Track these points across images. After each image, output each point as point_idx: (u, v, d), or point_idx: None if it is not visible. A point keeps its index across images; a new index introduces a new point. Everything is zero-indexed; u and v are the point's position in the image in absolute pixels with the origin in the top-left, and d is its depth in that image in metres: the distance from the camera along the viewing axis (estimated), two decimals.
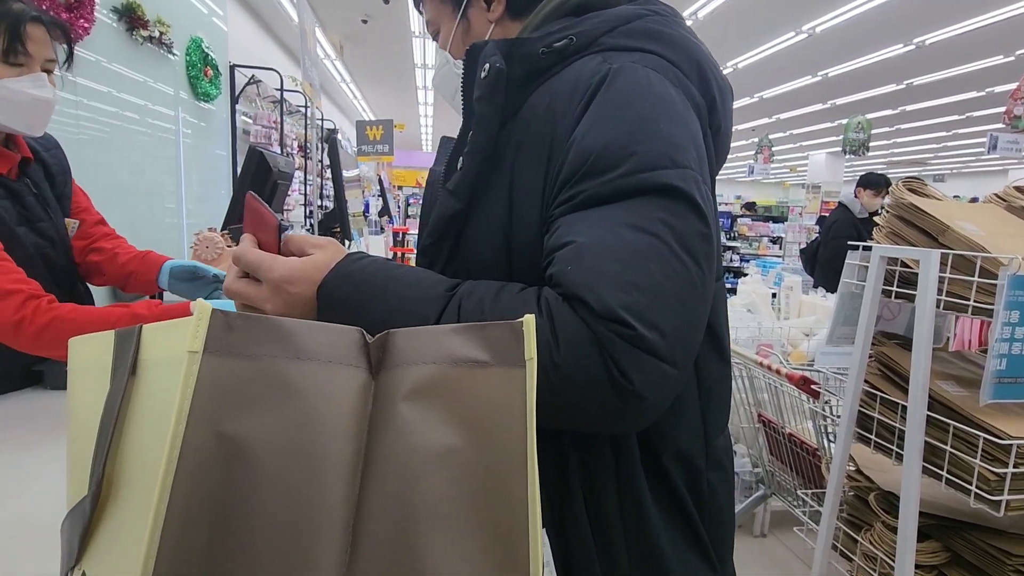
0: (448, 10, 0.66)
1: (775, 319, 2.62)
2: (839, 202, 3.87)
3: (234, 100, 4.59)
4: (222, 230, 1.51)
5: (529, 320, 0.34)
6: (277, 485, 0.29)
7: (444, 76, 0.69)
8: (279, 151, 5.01)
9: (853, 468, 1.31)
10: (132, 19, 3.03)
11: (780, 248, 8.14)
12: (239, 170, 3.32)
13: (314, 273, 0.49)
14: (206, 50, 3.96)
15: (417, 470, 0.30)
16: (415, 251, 0.72)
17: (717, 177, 0.62)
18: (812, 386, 1.41)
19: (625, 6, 0.60)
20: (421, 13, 0.71)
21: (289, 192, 4.06)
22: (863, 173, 3.80)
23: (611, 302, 0.43)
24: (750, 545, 2.15)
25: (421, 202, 0.73)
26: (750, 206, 8.94)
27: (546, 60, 0.55)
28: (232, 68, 4.57)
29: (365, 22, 6.38)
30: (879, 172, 3.87)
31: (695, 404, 0.58)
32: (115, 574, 0.30)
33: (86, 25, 2.61)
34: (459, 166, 0.57)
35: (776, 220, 8.77)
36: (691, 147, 0.49)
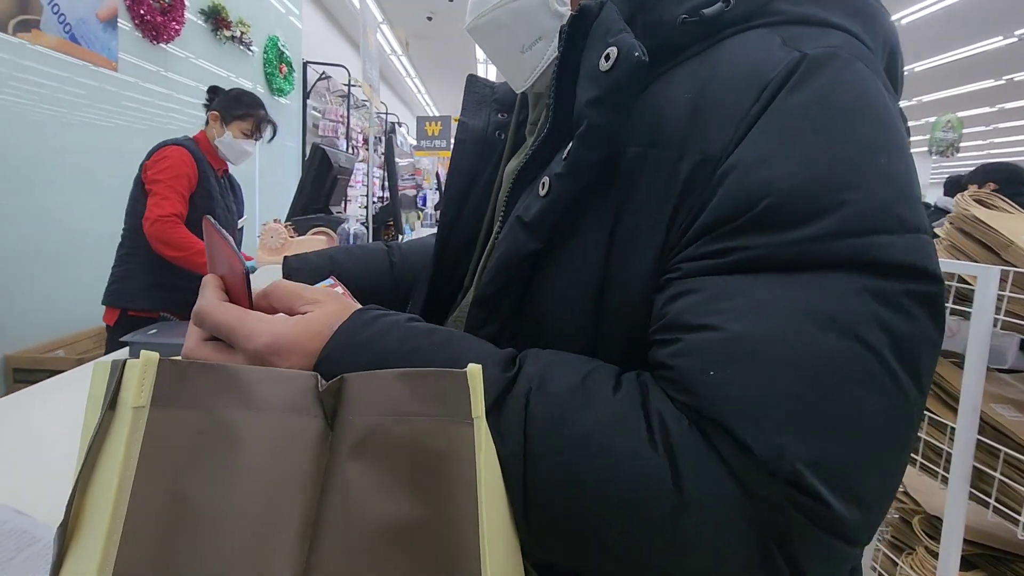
0: None
1: None
2: (934, 205, 3.54)
3: (306, 95, 4.85)
4: (286, 221, 1.64)
5: (475, 371, 0.29)
6: (223, 547, 0.27)
7: (515, 12, 0.44)
8: (345, 144, 5.24)
9: (900, 489, 1.26)
10: (217, 20, 3.27)
11: None
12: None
13: (310, 342, 0.35)
14: (282, 48, 4.20)
15: (363, 544, 0.28)
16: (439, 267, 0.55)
17: None
18: None
19: None
20: None
21: (352, 184, 4.26)
22: (952, 175, 3.44)
23: (791, 454, 0.28)
24: None
25: (448, 168, 0.54)
26: None
27: (686, 34, 0.38)
28: (305, 65, 4.82)
29: (430, 19, 6.53)
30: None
31: None
32: None
33: (176, 27, 2.85)
34: (544, 190, 0.39)
35: None
36: (918, 193, 0.34)
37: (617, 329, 0.37)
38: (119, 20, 2.53)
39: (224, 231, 0.39)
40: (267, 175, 4.18)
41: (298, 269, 0.61)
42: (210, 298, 0.38)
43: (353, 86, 5.33)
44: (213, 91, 2.00)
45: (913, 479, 1.20)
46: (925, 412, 1.07)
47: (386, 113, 7.40)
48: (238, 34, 3.49)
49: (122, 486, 0.27)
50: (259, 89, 4.05)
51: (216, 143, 1.89)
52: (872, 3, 0.40)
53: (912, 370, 0.30)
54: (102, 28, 2.41)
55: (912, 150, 0.36)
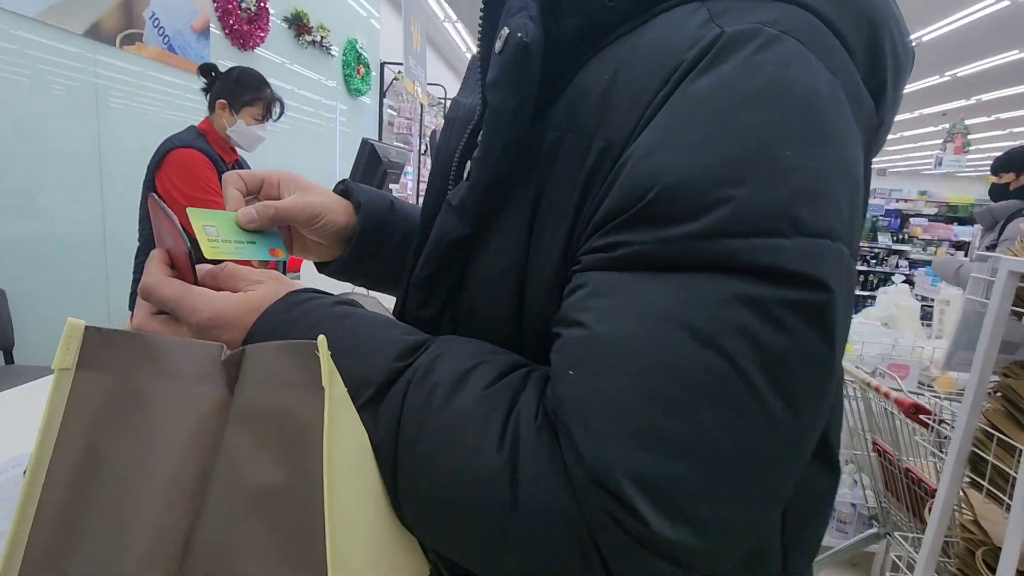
0: None
1: (923, 337, 2.27)
2: None
3: (382, 94, 5.07)
4: None
5: (322, 342, 0.30)
6: (129, 501, 0.30)
7: None
8: (418, 142, 5.43)
9: (971, 517, 1.12)
10: (299, 26, 3.50)
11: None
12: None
13: (245, 318, 0.38)
14: (359, 50, 4.41)
15: (238, 505, 0.30)
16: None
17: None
18: (922, 415, 1.22)
19: None
20: None
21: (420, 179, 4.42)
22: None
23: (615, 464, 0.27)
24: None
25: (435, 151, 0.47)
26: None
27: (615, 12, 0.36)
28: (382, 65, 5.03)
29: None
30: None
31: (775, 537, 0.39)
32: None
33: (262, 34, 3.08)
34: (466, 174, 0.39)
35: (963, 221, 7.42)
36: (840, 191, 0.30)
37: (537, 319, 0.36)
38: (211, 28, 2.77)
39: (168, 209, 0.40)
40: (346, 171, 4.42)
41: (359, 188, 0.57)
42: (154, 273, 0.40)
43: (428, 84, 5.49)
44: (208, 71, 1.87)
45: (981, 506, 1.07)
46: (993, 432, 0.95)
47: None
48: (318, 38, 3.71)
49: (45, 439, 0.30)
50: (339, 88, 4.28)
51: (229, 132, 1.81)
52: None
53: (783, 389, 0.27)
54: (195, 38, 2.66)
55: None
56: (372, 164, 1.73)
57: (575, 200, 0.34)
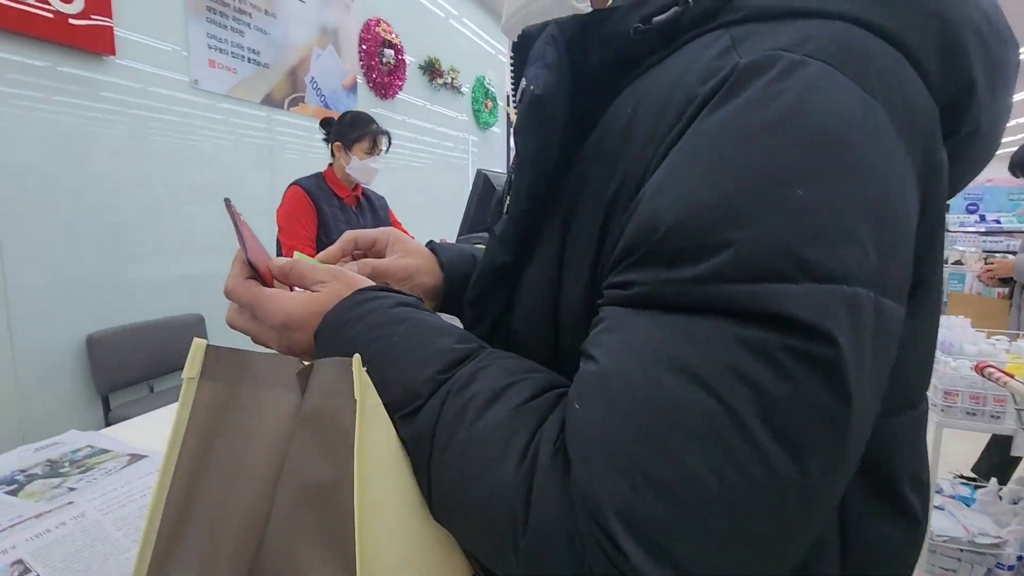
0: None
1: None
2: None
3: (509, 124, 5.33)
4: (458, 238, 1.86)
5: (356, 360, 0.35)
6: (230, 486, 0.37)
7: (538, 11, 0.44)
8: None
9: None
10: (432, 72, 3.84)
11: None
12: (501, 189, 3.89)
13: (313, 319, 0.41)
14: (487, 86, 4.70)
15: (295, 495, 0.35)
16: None
17: None
18: None
19: None
20: None
21: None
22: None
23: (603, 497, 0.27)
24: None
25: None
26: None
27: (643, 45, 0.36)
28: (508, 97, 5.31)
29: None
30: None
31: None
32: None
33: (399, 83, 3.44)
34: (505, 207, 0.42)
35: None
36: (863, 230, 0.27)
37: (571, 347, 0.36)
38: (358, 82, 3.17)
39: (238, 217, 0.44)
40: None
41: (442, 249, 0.61)
42: (234, 277, 0.45)
43: None
44: (326, 124, 2.11)
45: None
46: None
47: None
48: (449, 80, 4.04)
49: (176, 435, 0.38)
50: (470, 122, 4.61)
51: (348, 171, 2.02)
52: None
53: (784, 439, 0.26)
54: (346, 94, 3.06)
55: None
56: (487, 194, 1.83)
57: (597, 233, 0.35)
